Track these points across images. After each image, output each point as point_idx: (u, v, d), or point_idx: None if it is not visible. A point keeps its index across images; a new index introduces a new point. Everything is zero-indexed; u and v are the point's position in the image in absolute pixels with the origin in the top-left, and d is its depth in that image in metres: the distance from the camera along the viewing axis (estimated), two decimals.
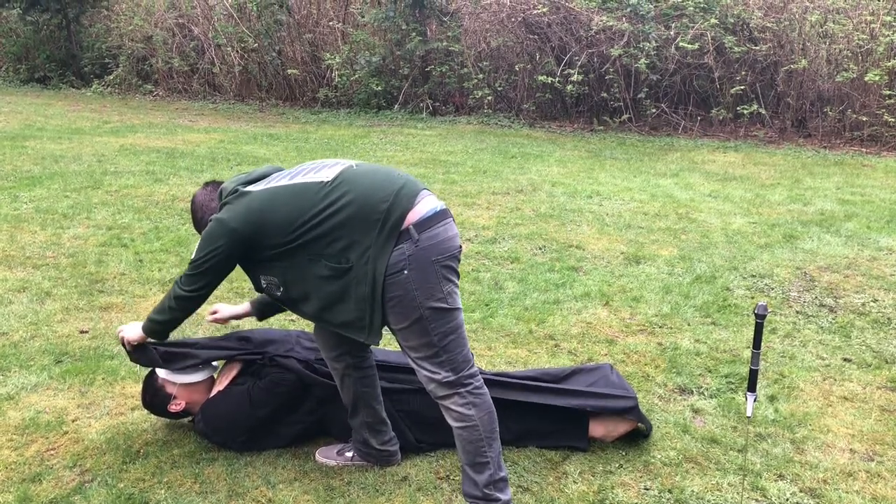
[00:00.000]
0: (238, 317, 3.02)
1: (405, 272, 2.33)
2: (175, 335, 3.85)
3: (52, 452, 2.88)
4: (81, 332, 3.90)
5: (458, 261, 2.46)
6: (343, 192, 2.39)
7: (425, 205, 2.39)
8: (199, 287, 2.48)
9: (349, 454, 2.85)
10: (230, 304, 3.17)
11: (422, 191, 2.43)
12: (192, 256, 2.48)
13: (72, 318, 4.06)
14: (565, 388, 2.99)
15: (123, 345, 2.76)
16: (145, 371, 3.06)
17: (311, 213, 2.39)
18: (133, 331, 2.70)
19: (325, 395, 2.91)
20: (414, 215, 2.35)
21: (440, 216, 2.41)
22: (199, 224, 2.69)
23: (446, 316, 2.39)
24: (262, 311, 2.96)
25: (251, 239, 2.42)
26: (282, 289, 2.51)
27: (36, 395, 3.28)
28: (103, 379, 3.42)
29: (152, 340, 2.77)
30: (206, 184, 2.72)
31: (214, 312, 3.01)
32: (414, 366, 2.48)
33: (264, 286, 2.54)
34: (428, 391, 2.49)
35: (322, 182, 2.43)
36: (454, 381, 2.42)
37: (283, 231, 2.41)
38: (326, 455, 2.86)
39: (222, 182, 2.69)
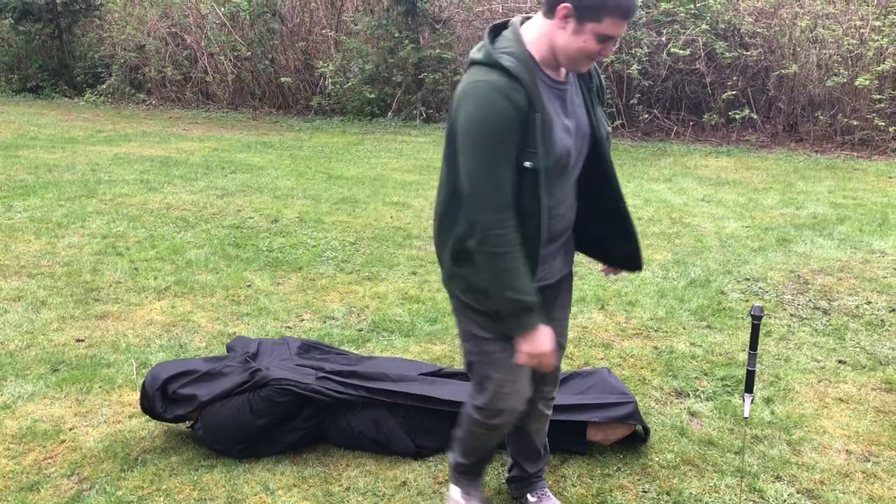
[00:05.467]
0: None
1: None
2: (172, 340, 3.86)
3: (50, 461, 2.87)
4: (77, 340, 3.89)
5: None
6: None
7: None
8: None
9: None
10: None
11: None
12: None
13: (67, 327, 4.05)
14: (567, 403, 2.97)
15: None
16: (142, 378, 3.06)
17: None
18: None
19: (324, 402, 2.91)
20: None
21: None
22: None
23: None
24: None
25: None
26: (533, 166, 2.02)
27: (32, 403, 3.28)
28: (100, 387, 3.41)
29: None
30: None
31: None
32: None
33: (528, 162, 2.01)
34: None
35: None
36: None
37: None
38: None
39: None
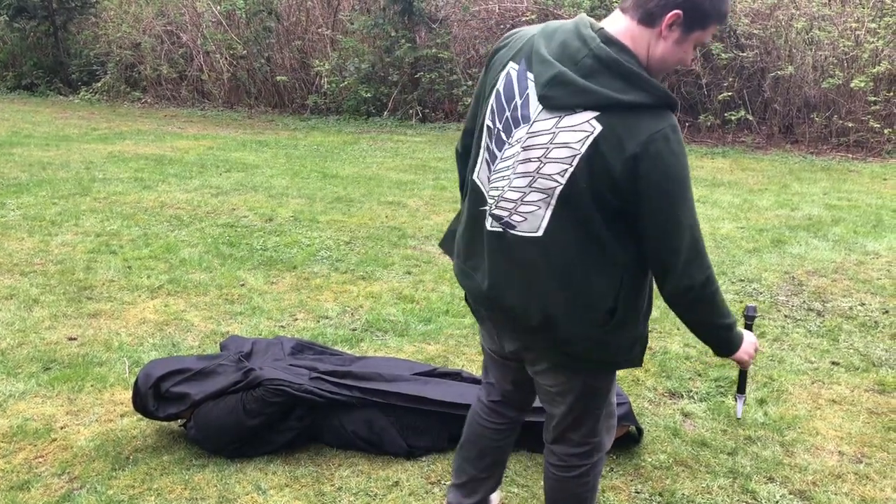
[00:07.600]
0: None
1: None
2: (165, 339, 3.84)
3: (41, 460, 2.86)
4: (70, 339, 3.88)
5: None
6: None
7: None
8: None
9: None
10: None
11: None
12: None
13: (60, 325, 4.04)
14: None
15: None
16: (134, 376, 3.05)
17: None
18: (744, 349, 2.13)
19: (317, 403, 2.90)
20: None
21: None
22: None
23: None
24: None
25: None
26: None
27: (24, 402, 3.26)
28: (92, 386, 3.40)
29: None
30: None
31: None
32: None
33: None
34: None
35: None
36: None
37: None
38: None
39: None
